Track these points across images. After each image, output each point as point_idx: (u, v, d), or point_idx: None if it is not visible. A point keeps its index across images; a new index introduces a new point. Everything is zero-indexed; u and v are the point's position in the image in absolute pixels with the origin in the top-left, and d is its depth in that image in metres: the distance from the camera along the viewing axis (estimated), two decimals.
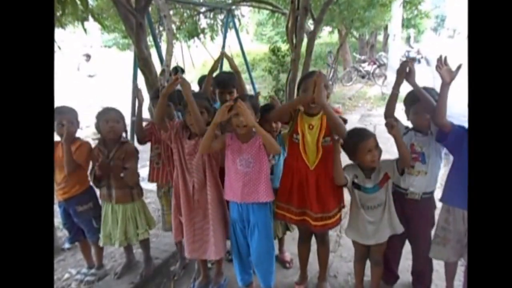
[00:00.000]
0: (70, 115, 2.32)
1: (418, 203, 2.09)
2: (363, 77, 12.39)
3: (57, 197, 2.40)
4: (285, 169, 2.18)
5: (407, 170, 2.07)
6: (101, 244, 2.47)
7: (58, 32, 3.50)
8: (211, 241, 2.18)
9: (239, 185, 2.04)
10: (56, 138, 2.31)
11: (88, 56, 10.77)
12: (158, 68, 3.28)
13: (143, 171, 2.85)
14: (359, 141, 1.96)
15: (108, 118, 2.29)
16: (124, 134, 2.41)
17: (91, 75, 10.69)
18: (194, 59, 14.52)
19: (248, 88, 6.61)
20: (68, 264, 2.81)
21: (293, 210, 2.13)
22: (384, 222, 2.06)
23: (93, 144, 2.42)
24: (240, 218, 2.12)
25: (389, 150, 2.11)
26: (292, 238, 2.71)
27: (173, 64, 4.05)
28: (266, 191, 2.07)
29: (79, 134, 2.43)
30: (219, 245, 2.19)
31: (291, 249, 2.69)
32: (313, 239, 2.32)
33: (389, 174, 2.03)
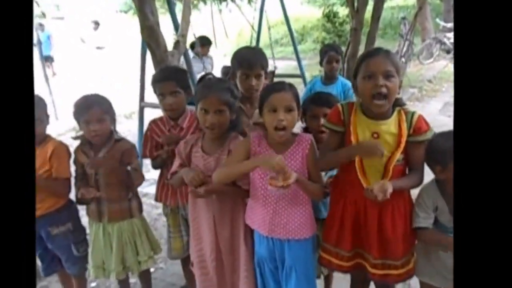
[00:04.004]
0: (39, 107, 2.22)
1: None
2: (448, 51, 12.03)
3: None
4: (334, 194, 2.03)
5: None
6: (91, 276, 2.43)
7: None
8: (242, 284, 2.13)
9: (268, 212, 1.93)
10: None
11: (96, 24, 11.21)
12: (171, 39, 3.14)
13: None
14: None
15: (88, 119, 2.18)
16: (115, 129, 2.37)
17: (100, 47, 11.10)
18: (228, 27, 14.50)
19: (294, 65, 6.30)
20: None
21: (344, 255, 2.00)
22: None
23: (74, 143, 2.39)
24: (270, 256, 2.01)
25: None
26: (343, 277, 2.52)
27: (190, 35, 3.89)
28: (307, 224, 1.95)
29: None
30: None
31: None
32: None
33: None
